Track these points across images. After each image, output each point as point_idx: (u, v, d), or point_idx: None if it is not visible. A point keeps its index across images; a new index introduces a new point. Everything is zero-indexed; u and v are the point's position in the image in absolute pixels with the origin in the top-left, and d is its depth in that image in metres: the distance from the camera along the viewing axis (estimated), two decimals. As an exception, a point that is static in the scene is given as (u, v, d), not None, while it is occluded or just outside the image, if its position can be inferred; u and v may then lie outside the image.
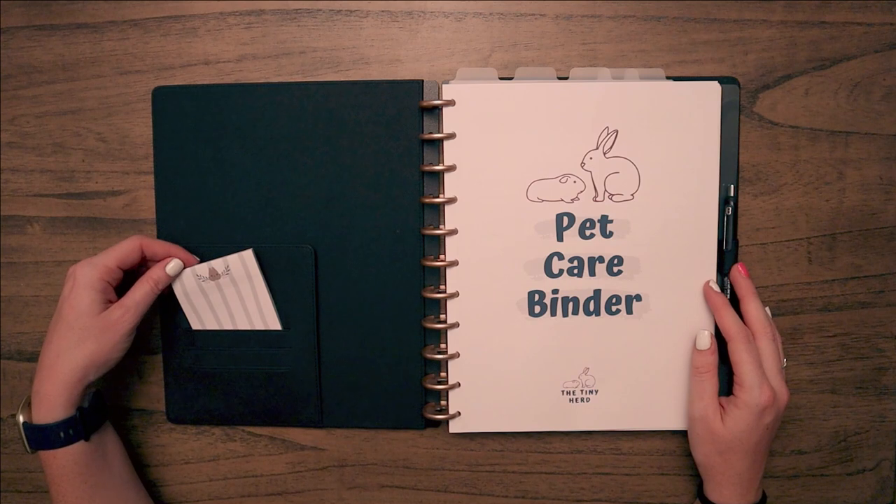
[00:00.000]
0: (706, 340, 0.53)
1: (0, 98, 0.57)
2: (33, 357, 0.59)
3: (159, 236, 0.56)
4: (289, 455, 0.59)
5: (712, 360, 0.52)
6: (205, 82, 0.56)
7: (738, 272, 0.53)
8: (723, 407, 0.51)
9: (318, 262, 0.56)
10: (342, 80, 0.55)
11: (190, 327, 0.56)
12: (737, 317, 0.51)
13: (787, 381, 0.51)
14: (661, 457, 0.58)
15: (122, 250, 0.51)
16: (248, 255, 0.54)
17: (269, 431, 0.59)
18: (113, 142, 0.57)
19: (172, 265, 0.53)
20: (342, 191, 0.55)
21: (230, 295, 0.55)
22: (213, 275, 0.54)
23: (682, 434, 0.57)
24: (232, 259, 0.54)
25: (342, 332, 0.56)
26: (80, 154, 0.57)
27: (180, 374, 0.57)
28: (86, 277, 0.50)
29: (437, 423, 0.57)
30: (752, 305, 0.52)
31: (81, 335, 0.49)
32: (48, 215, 0.58)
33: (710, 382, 0.52)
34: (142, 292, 0.51)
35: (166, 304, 0.56)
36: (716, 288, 0.53)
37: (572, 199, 0.54)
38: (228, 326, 0.56)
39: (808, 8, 0.54)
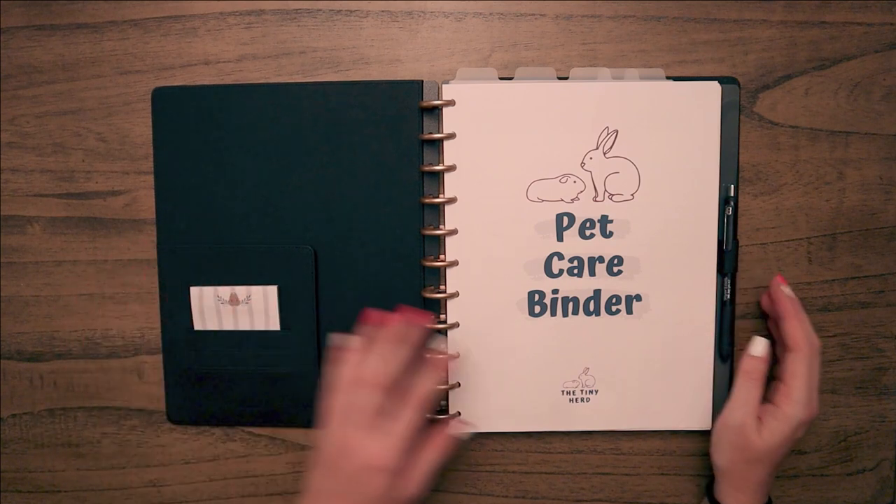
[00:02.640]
0: (762, 348, 0.51)
1: (0, 98, 0.57)
2: (33, 357, 0.59)
3: (159, 236, 0.56)
4: (289, 455, 0.59)
5: (763, 367, 0.51)
6: (205, 82, 0.56)
7: (782, 290, 0.52)
8: (759, 417, 0.50)
9: (318, 262, 0.56)
10: (342, 80, 0.55)
11: (191, 327, 0.56)
12: (808, 327, 0.50)
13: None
14: (661, 457, 0.58)
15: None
16: (272, 291, 0.55)
17: (269, 431, 0.59)
18: (113, 142, 0.57)
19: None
20: (342, 191, 0.55)
21: (243, 324, 0.55)
22: (234, 300, 0.54)
23: (683, 434, 0.57)
24: (255, 290, 0.54)
25: (342, 333, 0.56)
26: (80, 154, 0.57)
27: (180, 374, 0.57)
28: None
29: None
30: (798, 323, 0.50)
31: None
32: (48, 215, 0.58)
33: (757, 391, 0.50)
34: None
35: (166, 304, 0.56)
36: (789, 292, 0.52)
37: (572, 199, 0.54)
38: (229, 326, 0.56)
39: (808, 8, 0.54)
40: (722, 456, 0.52)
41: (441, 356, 0.54)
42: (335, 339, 0.49)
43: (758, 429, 0.49)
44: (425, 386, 0.48)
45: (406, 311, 0.50)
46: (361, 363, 0.47)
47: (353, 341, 0.48)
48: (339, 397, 0.47)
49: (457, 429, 0.50)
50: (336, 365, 0.48)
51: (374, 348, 0.47)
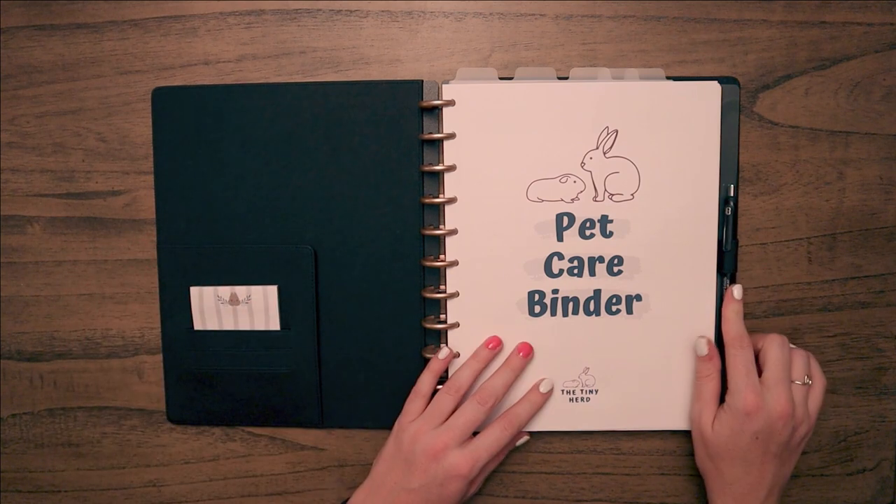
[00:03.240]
0: (703, 348, 0.53)
1: (0, 98, 0.57)
2: (33, 357, 0.59)
3: (159, 236, 0.56)
4: (289, 455, 0.59)
5: (711, 365, 0.53)
6: (205, 82, 0.56)
7: (731, 289, 0.53)
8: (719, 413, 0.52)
9: (318, 262, 0.56)
10: (342, 80, 0.55)
11: (191, 327, 0.56)
12: (736, 321, 0.52)
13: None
14: (661, 457, 0.58)
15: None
16: (272, 290, 0.55)
17: (269, 431, 0.59)
18: (113, 142, 0.57)
19: (545, 384, 0.55)
20: (342, 191, 0.55)
21: (243, 324, 0.55)
22: (234, 300, 0.55)
23: (683, 434, 0.57)
24: (255, 290, 0.54)
25: (342, 332, 0.56)
26: (80, 154, 0.57)
27: (180, 374, 0.57)
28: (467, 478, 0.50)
29: (437, 423, 0.57)
30: (727, 318, 0.52)
31: None
32: (48, 215, 0.58)
33: (709, 387, 0.53)
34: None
35: (166, 304, 0.56)
36: (737, 295, 0.52)
37: (572, 199, 0.54)
38: (229, 326, 0.56)
39: (808, 8, 0.54)
40: (695, 454, 0.54)
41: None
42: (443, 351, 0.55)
43: (712, 422, 0.51)
44: (521, 412, 0.53)
45: (522, 346, 0.54)
46: (456, 374, 0.53)
47: (444, 352, 0.54)
48: (423, 404, 0.53)
49: (519, 439, 0.56)
50: (428, 373, 0.54)
51: (467, 363, 0.54)
